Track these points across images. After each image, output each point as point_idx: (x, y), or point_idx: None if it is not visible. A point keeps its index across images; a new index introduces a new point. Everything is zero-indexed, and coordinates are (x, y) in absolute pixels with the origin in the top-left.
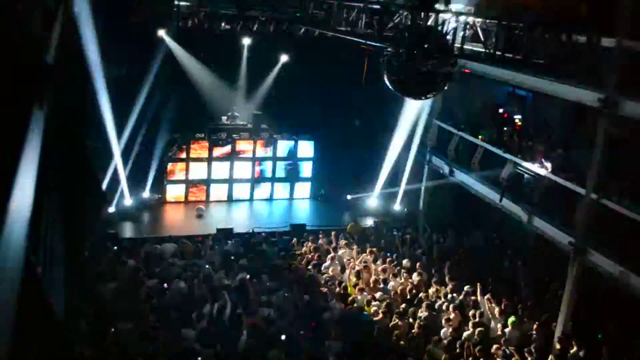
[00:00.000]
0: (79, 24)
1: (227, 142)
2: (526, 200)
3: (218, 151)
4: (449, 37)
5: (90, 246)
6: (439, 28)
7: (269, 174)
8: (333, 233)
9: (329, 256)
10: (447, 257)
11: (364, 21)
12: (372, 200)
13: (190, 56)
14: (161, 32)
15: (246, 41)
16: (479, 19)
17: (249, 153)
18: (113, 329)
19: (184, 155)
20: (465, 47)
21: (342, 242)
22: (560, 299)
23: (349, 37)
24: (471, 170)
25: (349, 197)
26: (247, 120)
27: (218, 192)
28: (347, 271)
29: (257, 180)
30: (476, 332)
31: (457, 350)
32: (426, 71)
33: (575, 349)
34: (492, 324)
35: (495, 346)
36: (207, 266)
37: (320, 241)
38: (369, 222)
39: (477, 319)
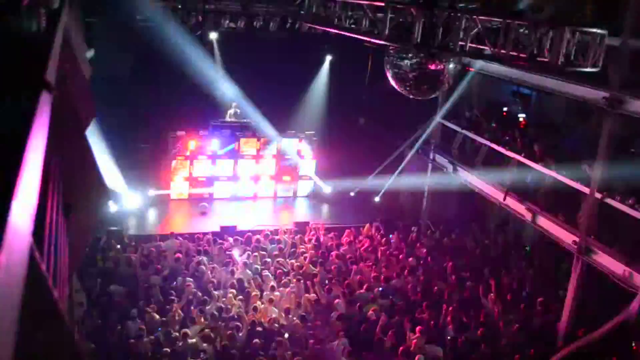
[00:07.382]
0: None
1: (230, 140)
2: (530, 199)
3: (222, 148)
4: (453, 34)
5: (94, 243)
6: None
7: (272, 172)
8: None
9: (332, 253)
10: (451, 255)
11: (367, 19)
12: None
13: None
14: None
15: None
16: (484, 17)
17: (252, 151)
18: (119, 326)
19: (187, 153)
20: (470, 45)
21: (345, 239)
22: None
23: (352, 35)
24: (475, 169)
25: (352, 194)
26: (251, 117)
27: (221, 189)
28: (350, 269)
29: (260, 178)
30: (480, 332)
31: (461, 350)
32: (430, 69)
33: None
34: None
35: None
36: (212, 264)
37: (322, 239)
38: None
39: (481, 319)
